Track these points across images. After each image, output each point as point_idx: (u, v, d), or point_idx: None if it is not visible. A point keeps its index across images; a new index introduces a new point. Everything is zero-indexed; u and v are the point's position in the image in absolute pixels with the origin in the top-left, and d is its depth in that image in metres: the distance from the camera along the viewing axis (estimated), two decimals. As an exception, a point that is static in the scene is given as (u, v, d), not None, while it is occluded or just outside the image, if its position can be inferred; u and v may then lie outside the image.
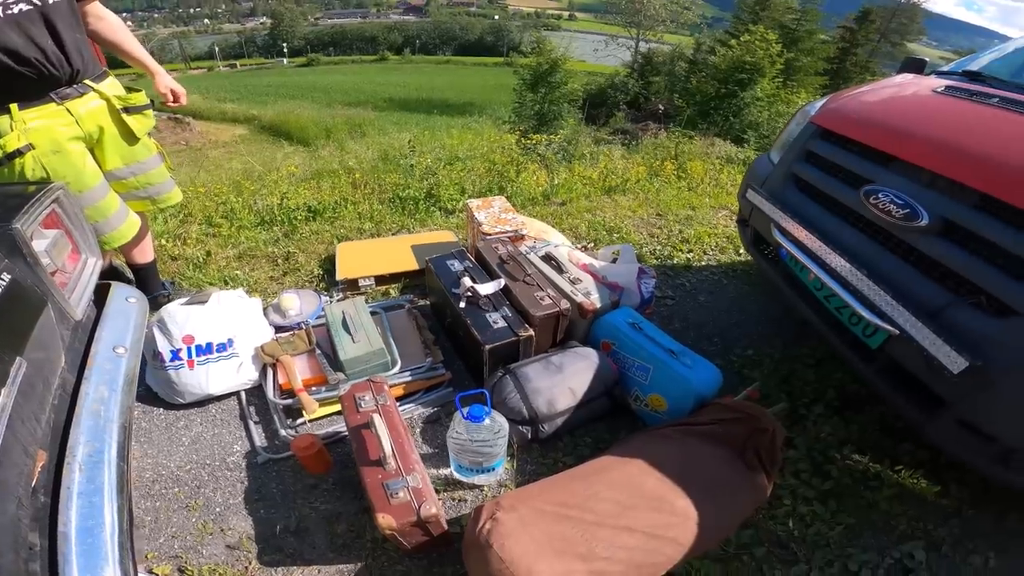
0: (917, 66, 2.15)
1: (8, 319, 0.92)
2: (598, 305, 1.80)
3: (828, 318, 1.58)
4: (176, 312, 1.74)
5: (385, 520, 1.10)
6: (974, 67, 1.91)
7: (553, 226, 2.96)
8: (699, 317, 2.30)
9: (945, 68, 2.07)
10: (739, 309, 2.38)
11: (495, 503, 1.12)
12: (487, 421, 1.33)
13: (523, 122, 10.18)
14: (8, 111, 1.58)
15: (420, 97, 28.70)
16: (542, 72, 11.65)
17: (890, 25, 24.89)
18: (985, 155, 1.30)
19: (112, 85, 1.82)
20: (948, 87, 1.72)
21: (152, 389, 1.75)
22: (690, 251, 2.89)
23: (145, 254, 2.10)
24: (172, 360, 1.66)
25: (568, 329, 1.82)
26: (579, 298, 1.81)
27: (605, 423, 1.68)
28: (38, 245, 1.15)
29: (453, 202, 3.42)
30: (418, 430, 1.66)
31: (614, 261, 2.20)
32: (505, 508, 1.09)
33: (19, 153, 1.60)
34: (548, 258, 2.07)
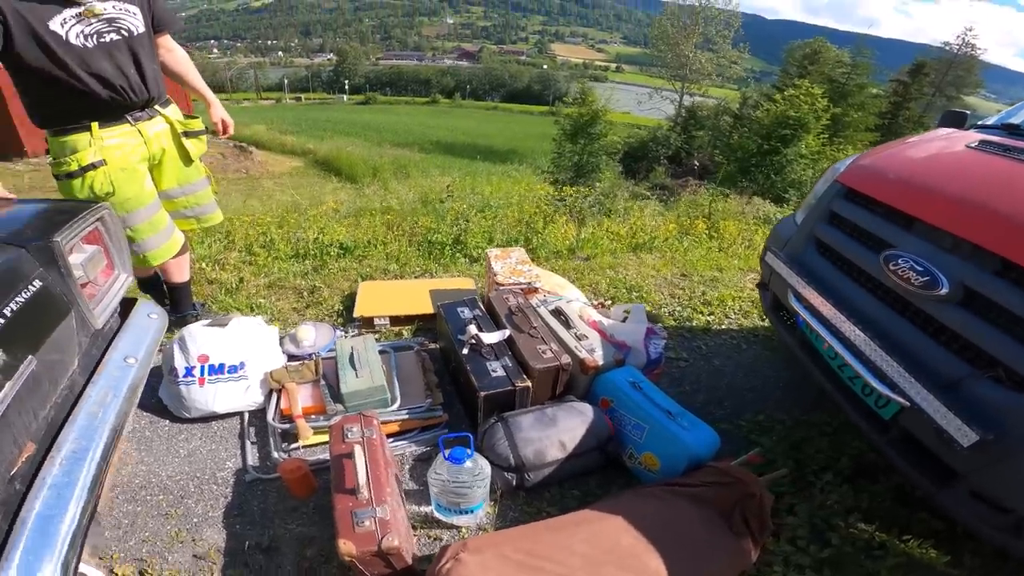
0: (957, 119, 2.03)
1: (30, 322, 1.00)
2: (600, 362, 1.80)
3: (842, 387, 1.52)
4: (196, 332, 1.84)
5: (345, 546, 1.10)
6: (1015, 120, 1.79)
7: (573, 281, 2.99)
8: (711, 380, 2.24)
9: (985, 121, 1.95)
10: (755, 374, 2.30)
11: (462, 544, 1.11)
12: (468, 464, 1.33)
13: (561, 172, 10.32)
14: (89, 129, 1.75)
15: (466, 142, 29.36)
16: (582, 123, 11.65)
17: (946, 78, 24.19)
18: (1008, 217, 1.21)
19: (174, 111, 1.99)
20: (982, 142, 1.61)
21: (164, 402, 1.83)
22: (711, 314, 2.84)
23: (182, 273, 2.23)
24: (185, 376, 1.74)
25: (569, 384, 1.82)
26: (582, 354, 1.82)
27: (597, 478, 1.65)
28: (76, 259, 1.25)
29: (479, 250, 3.50)
30: (407, 467, 1.66)
31: (624, 320, 2.20)
32: (470, 550, 1.08)
33: (92, 167, 1.75)
34: (557, 312, 2.08)
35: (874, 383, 1.29)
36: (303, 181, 13.98)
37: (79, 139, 1.73)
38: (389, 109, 53.62)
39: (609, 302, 2.89)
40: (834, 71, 18.59)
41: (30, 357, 0.96)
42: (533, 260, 3.42)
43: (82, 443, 0.97)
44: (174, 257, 2.08)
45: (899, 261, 1.36)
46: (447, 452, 1.34)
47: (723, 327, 2.73)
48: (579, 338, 1.92)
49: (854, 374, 1.40)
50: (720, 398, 2.12)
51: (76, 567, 0.85)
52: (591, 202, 6.07)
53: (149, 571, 1.34)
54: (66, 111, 1.73)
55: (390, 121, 37.30)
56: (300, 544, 1.41)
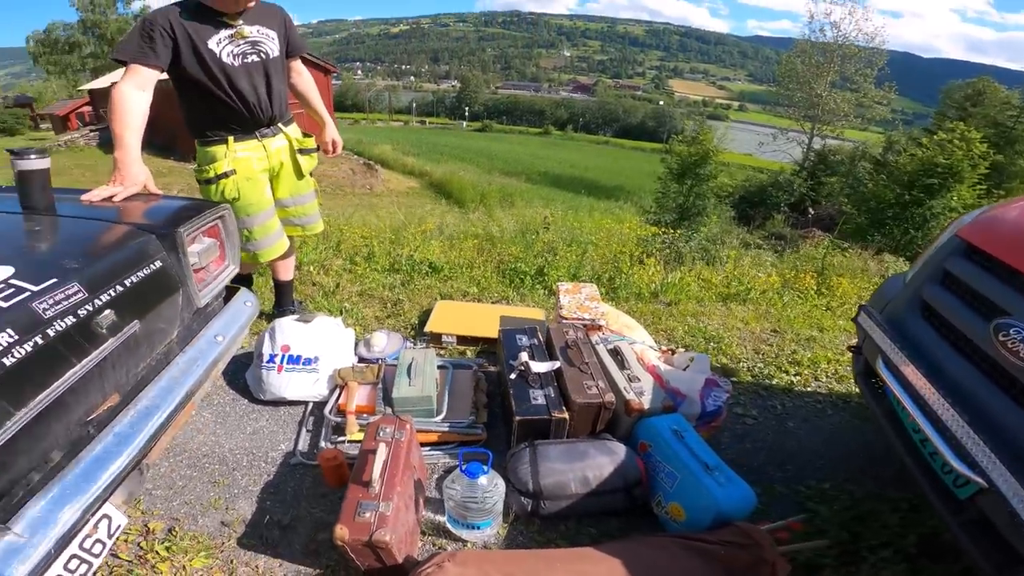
0: None
1: (143, 293, 1.22)
2: (647, 406, 1.74)
3: (921, 462, 1.39)
4: (284, 324, 2.08)
5: (340, 532, 1.17)
6: None
7: (649, 325, 2.91)
8: (779, 442, 2.06)
9: None
10: (834, 442, 2.09)
11: (451, 554, 1.13)
12: (482, 480, 1.36)
13: (664, 213, 9.86)
14: (226, 141, 1.96)
15: (573, 175, 29.33)
16: (691, 162, 10.93)
17: None
18: None
19: (294, 129, 2.17)
20: None
21: (247, 383, 2.07)
22: (797, 374, 2.60)
23: (287, 273, 2.51)
24: (268, 362, 1.97)
25: (611, 422, 1.79)
26: (629, 395, 1.77)
27: (620, 519, 1.59)
28: (195, 248, 1.46)
29: (558, 282, 3.56)
30: (436, 476, 1.72)
31: (686, 368, 2.10)
32: (456, 562, 1.10)
33: (225, 176, 1.97)
34: (615, 352, 2.05)
35: (953, 461, 1.16)
36: (416, 201, 14.98)
37: (217, 150, 1.96)
38: (503, 137, 55.03)
39: (681, 349, 2.77)
40: (1000, 114, 16.31)
41: (135, 321, 1.16)
42: (612, 299, 3.39)
43: (156, 402, 1.14)
44: (281, 259, 2.35)
45: (1011, 331, 1.19)
46: (464, 465, 1.38)
47: (808, 389, 2.48)
48: (631, 379, 1.88)
49: (934, 450, 1.26)
50: (783, 461, 1.95)
51: (98, 509, 1.00)
52: (692, 247, 5.86)
53: (177, 529, 1.50)
54: (211, 123, 1.95)
55: (502, 149, 38.40)
56: (315, 527, 1.51)
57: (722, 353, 2.76)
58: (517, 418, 1.66)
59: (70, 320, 0.99)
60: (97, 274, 1.11)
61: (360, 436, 1.77)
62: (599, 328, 2.34)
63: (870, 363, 1.70)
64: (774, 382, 2.51)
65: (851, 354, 1.99)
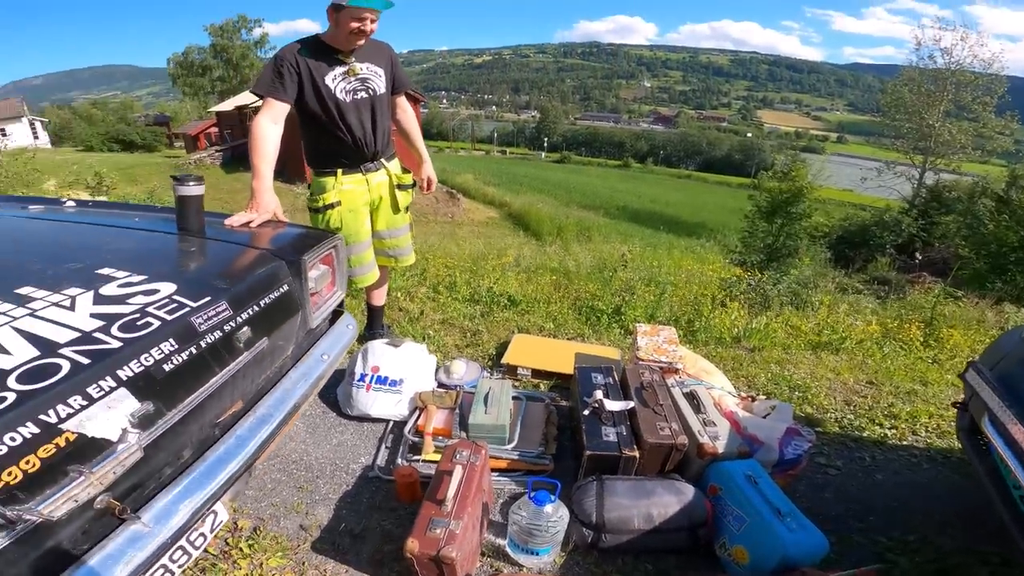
0: None
1: (273, 314, 1.40)
2: (721, 450, 1.73)
3: (1020, 518, 1.37)
4: (377, 347, 2.27)
5: (411, 544, 1.26)
6: None
7: (728, 370, 2.84)
8: (862, 493, 1.96)
9: None
10: (927, 496, 1.96)
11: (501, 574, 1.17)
12: (547, 508, 1.41)
13: (750, 254, 9.26)
14: (334, 173, 2.07)
15: (652, 210, 28.53)
16: (781, 200, 10.16)
17: None
18: None
19: (395, 164, 2.25)
20: None
21: (338, 398, 2.26)
22: (893, 427, 2.42)
23: (380, 299, 2.69)
24: (359, 380, 2.16)
25: (681, 464, 1.78)
26: (703, 439, 1.76)
27: (680, 559, 1.57)
28: (313, 274, 1.60)
29: (636, 323, 3.54)
30: (501, 501, 1.79)
31: (766, 416, 2.04)
32: None
33: (331, 206, 2.08)
34: (691, 396, 2.05)
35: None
36: (495, 232, 15.35)
37: (327, 181, 2.08)
38: (581, 170, 54.61)
39: (762, 396, 2.66)
40: None
41: (265, 338, 1.34)
42: (691, 343, 3.33)
43: (271, 410, 1.31)
44: (375, 286, 2.52)
45: None
46: (533, 493, 1.44)
47: (904, 443, 2.32)
48: (706, 424, 1.86)
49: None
50: (865, 512, 1.85)
51: (212, 505, 1.12)
52: (780, 290, 5.57)
53: (261, 529, 1.63)
54: (325, 156, 2.07)
55: (580, 182, 38.14)
56: (383, 539, 1.61)
57: (807, 403, 2.64)
58: (587, 452, 1.70)
59: (218, 334, 1.18)
60: (240, 294, 1.30)
61: (435, 456, 1.89)
62: (676, 371, 2.33)
63: (975, 420, 1.66)
64: (865, 434, 2.37)
65: (955, 410, 1.92)
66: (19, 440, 0.83)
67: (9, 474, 0.81)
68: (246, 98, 26.24)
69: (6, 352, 0.96)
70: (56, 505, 0.84)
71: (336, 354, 1.69)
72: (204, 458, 1.14)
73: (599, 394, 1.95)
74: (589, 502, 1.56)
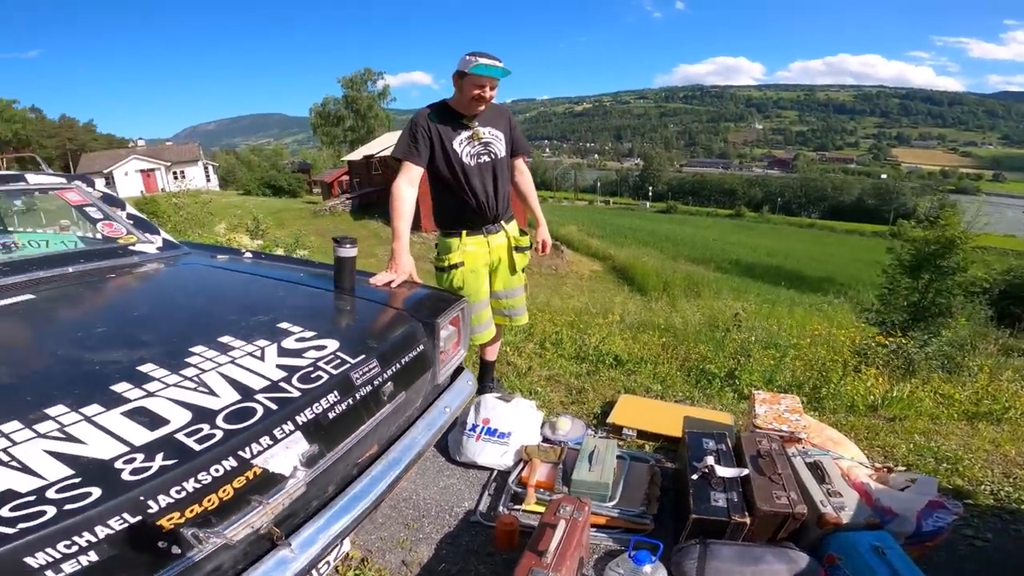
0: None
1: (411, 369, 1.59)
2: (844, 520, 1.62)
3: None
4: (489, 400, 2.44)
5: None
6: None
7: (862, 439, 2.62)
8: (1013, 568, 1.76)
9: None
10: None
11: None
12: (647, 568, 1.42)
13: (890, 313, 8.04)
14: (459, 235, 2.18)
15: (769, 264, 26.14)
16: (928, 252, 8.48)
17: None
18: None
19: (513, 226, 2.33)
20: None
21: (448, 444, 2.41)
22: (1060, 506, 2.06)
23: (493, 355, 2.80)
24: (470, 430, 2.32)
25: (797, 532, 1.68)
26: (825, 508, 1.66)
27: None
28: (443, 334, 1.73)
29: (752, 388, 3.36)
30: (596, 557, 1.79)
31: (903, 489, 1.86)
32: None
33: (455, 266, 2.18)
34: (815, 466, 1.94)
35: None
36: (599, 286, 15.21)
37: (452, 242, 2.19)
38: (689, 220, 51.83)
39: (901, 468, 2.39)
40: None
41: (403, 392, 1.53)
42: (816, 411, 3.09)
43: (400, 455, 1.48)
44: (489, 344, 2.66)
45: None
46: (633, 552, 1.46)
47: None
48: (830, 494, 1.75)
49: None
50: None
51: (345, 536, 1.24)
52: (928, 353, 4.94)
53: (369, 560, 1.77)
54: (451, 217, 2.18)
55: (688, 233, 36.48)
56: None
57: (958, 475, 2.37)
58: (693, 516, 1.67)
59: (368, 388, 1.40)
60: (387, 353, 1.49)
61: (535, 507, 1.97)
62: (798, 441, 2.20)
63: None
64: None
65: None
66: (221, 472, 1.01)
67: (209, 500, 0.98)
68: (372, 148, 28.90)
69: (215, 395, 1.18)
70: (238, 530, 0.99)
71: (456, 407, 1.84)
72: (344, 494, 1.29)
73: (710, 460, 1.90)
74: (690, 565, 1.54)
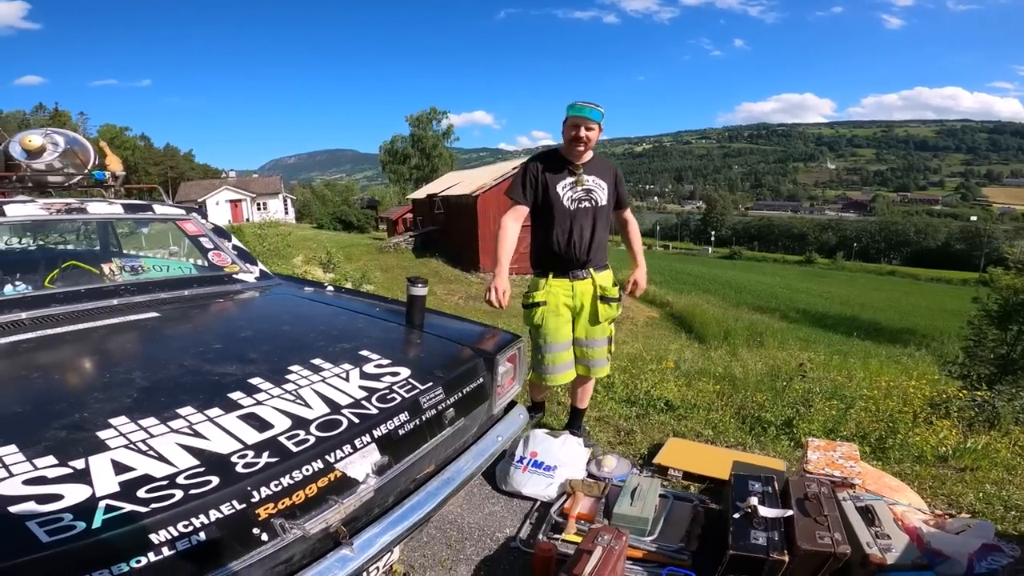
0: None
1: (471, 399, 1.75)
2: (889, 561, 1.63)
3: None
4: (538, 435, 2.59)
5: None
6: None
7: (926, 488, 2.55)
8: None
9: None
10: None
11: None
12: None
13: (976, 365, 7.34)
14: (546, 275, 2.31)
15: (842, 314, 24.24)
16: (1017, 303, 7.92)
17: None
18: None
19: (605, 276, 2.39)
20: None
21: (495, 472, 2.52)
22: None
23: (582, 402, 2.78)
24: (518, 461, 2.46)
25: (840, 573, 1.70)
26: (871, 549, 1.67)
27: None
28: (501, 369, 1.89)
29: (809, 437, 3.28)
30: None
31: (958, 534, 1.82)
32: None
33: (538, 304, 2.30)
34: (865, 510, 1.93)
35: None
36: (655, 332, 14.74)
37: (540, 281, 2.33)
38: (754, 266, 49.42)
39: (965, 515, 2.29)
40: None
41: (462, 419, 1.71)
42: (879, 460, 2.99)
43: (453, 475, 1.64)
44: (573, 388, 2.71)
45: None
46: None
47: None
48: (878, 536, 1.76)
49: None
50: None
51: (397, 544, 1.36)
52: (1016, 407, 4.57)
53: (411, 575, 1.89)
54: (543, 257, 2.30)
55: (752, 281, 34.69)
56: None
57: None
58: (731, 551, 1.71)
59: (433, 412, 1.59)
60: (451, 382, 1.67)
61: (575, 538, 2.05)
62: (851, 486, 2.18)
63: None
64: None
65: None
66: (310, 472, 1.19)
67: (297, 495, 1.14)
68: (435, 187, 29.95)
69: (309, 407, 1.40)
70: (315, 524, 1.14)
71: (508, 437, 1.98)
72: (402, 504, 1.43)
73: (754, 500, 1.93)
74: (724, 599, 1.57)
